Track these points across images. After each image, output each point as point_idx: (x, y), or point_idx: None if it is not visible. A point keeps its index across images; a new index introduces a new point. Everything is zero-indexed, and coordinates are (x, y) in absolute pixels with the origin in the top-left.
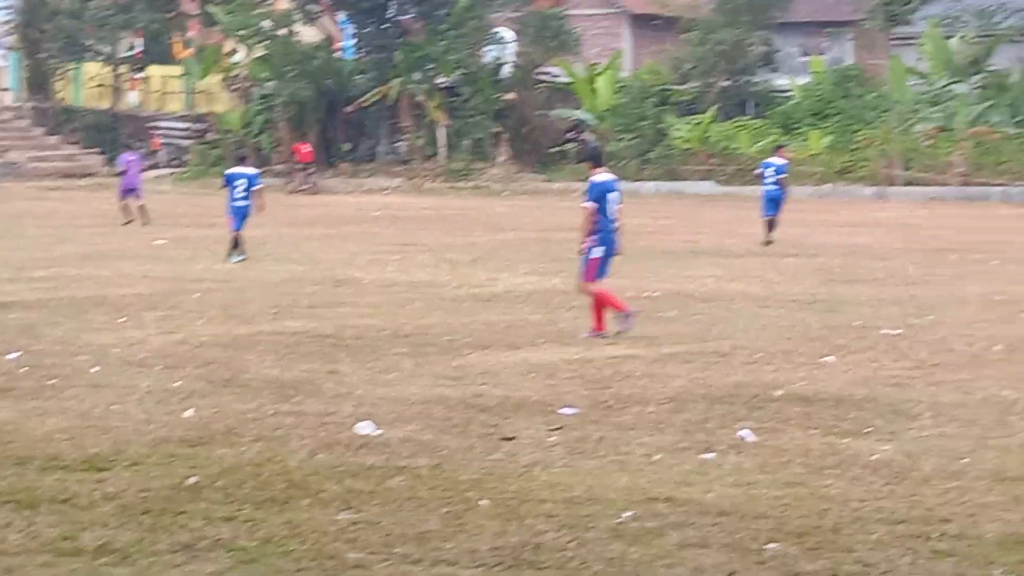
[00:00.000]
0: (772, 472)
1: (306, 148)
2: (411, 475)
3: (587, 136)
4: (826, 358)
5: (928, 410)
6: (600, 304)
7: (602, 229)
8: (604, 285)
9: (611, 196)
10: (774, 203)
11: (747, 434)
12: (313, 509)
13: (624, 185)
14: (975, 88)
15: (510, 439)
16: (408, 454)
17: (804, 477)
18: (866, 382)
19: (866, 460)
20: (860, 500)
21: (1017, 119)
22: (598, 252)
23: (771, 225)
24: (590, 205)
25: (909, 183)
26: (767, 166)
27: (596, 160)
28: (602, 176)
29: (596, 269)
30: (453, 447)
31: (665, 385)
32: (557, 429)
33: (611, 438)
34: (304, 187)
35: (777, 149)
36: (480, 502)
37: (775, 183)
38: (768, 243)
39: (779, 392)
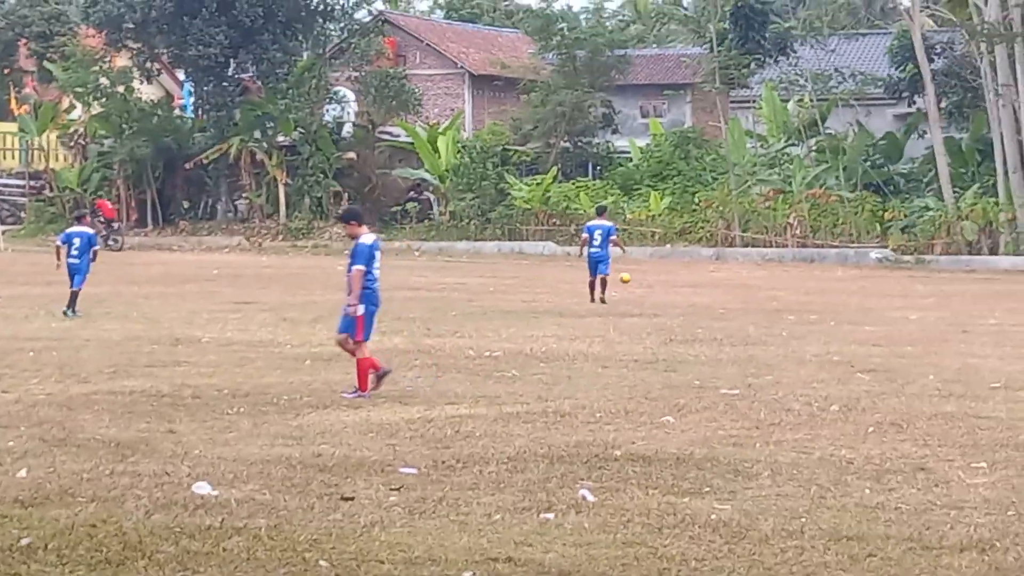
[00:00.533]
0: (612, 532)
1: (109, 205)
2: (249, 536)
3: (428, 195)
4: (666, 418)
5: (766, 469)
6: (363, 367)
7: (367, 287)
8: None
9: (376, 255)
10: (603, 264)
11: (587, 494)
12: (149, 571)
13: (465, 245)
14: (811, 151)
15: (350, 499)
16: (246, 514)
17: (644, 536)
18: (705, 442)
19: (705, 519)
20: (699, 559)
21: (852, 182)
22: (361, 310)
23: (604, 284)
24: (360, 268)
25: (747, 244)
26: (591, 229)
27: (359, 220)
28: (368, 237)
29: (365, 326)
30: (292, 507)
31: (506, 444)
32: (397, 489)
33: (451, 498)
34: (109, 244)
35: (600, 212)
36: (319, 563)
37: (600, 247)
38: (603, 301)
39: (619, 452)
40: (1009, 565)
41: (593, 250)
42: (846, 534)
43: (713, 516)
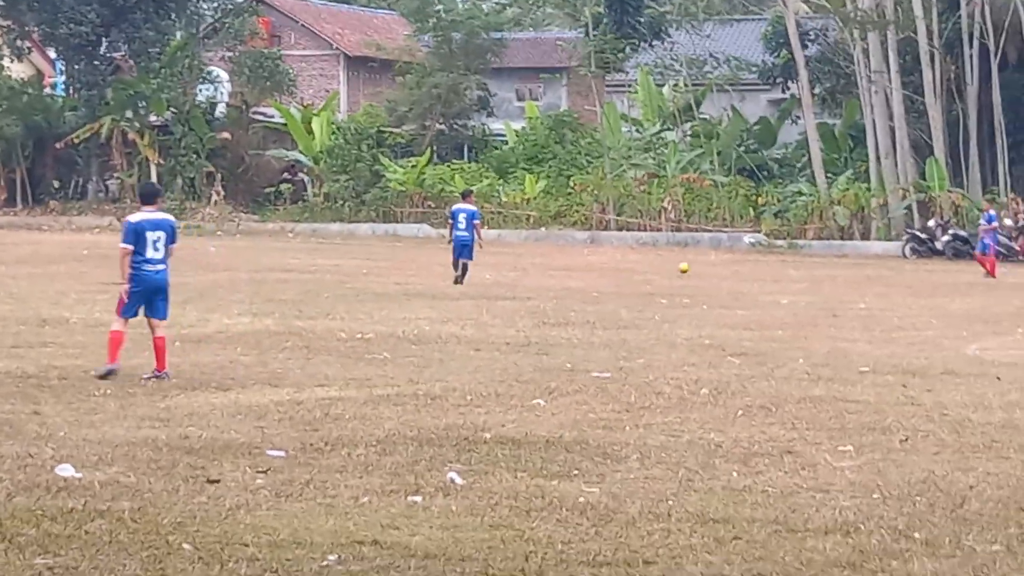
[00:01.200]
0: (479, 515)
1: None
2: (112, 518)
3: (302, 176)
4: (537, 400)
5: (635, 452)
6: (114, 342)
7: (135, 268)
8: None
9: (149, 235)
10: (467, 249)
11: (455, 476)
12: (9, 554)
13: (339, 227)
14: (686, 135)
15: (215, 481)
16: (110, 497)
17: (511, 519)
18: (575, 425)
19: (573, 502)
20: (566, 542)
21: (726, 166)
22: (126, 289)
23: (464, 269)
24: (123, 247)
25: (622, 228)
26: (456, 213)
27: (145, 199)
28: (138, 216)
29: (123, 306)
30: (157, 490)
31: (375, 427)
32: (264, 472)
33: (319, 480)
34: None
35: (465, 196)
36: (182, 546)
37: (466, 230)
38: (457, 283)
39: (489, 434)
40: (872, 547)
41: (459, 233)
42: (712, 517)
43: (581, 499)
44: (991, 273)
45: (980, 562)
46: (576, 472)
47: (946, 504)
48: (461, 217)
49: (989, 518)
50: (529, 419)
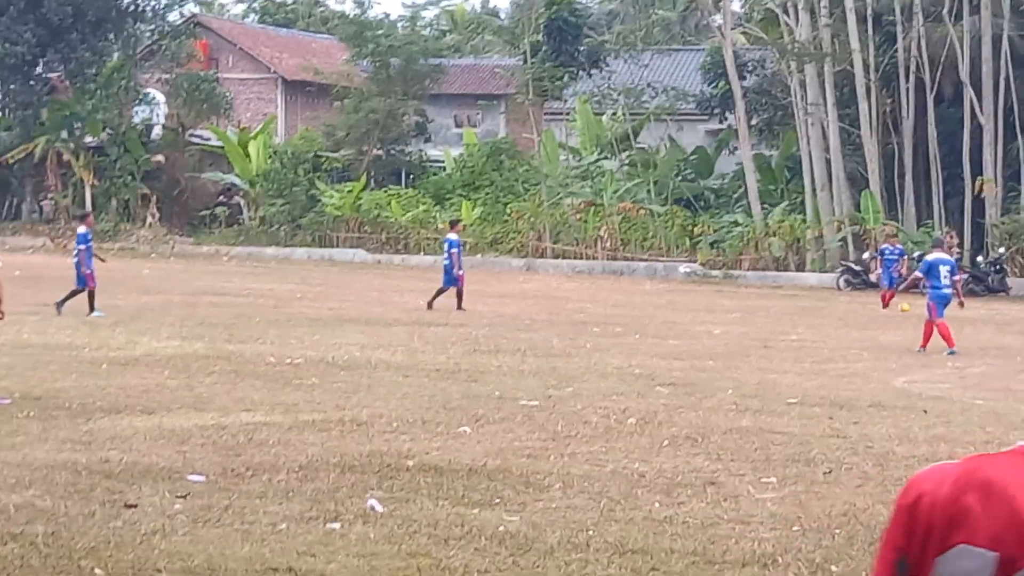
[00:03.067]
0: (397, 542)
1: None
2: (25, 543)
3: (238, 200)
4: (463, 428)
5: (558, 481)
6: None
7: None
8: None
9: None
10: (446, 276)
11: (376, 504)
12: None
13: (275, 251)
14: (623, 165)
15: (133, 506)
16: (24, 520)
17: (429, 547)
18: (500, 453)
19: (493, 531)
20: (482, 571)
21: (663, 196)
22: None
23: (438, 294)
24: None
25: (558, 256)
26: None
27: None
28: None
29: None
30: (73, 514)
31: (299, 453)
32: (183, 496)
33: (238, 506)
34: None
35: (453, 225)
36: (95, 571)
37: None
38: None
39: (412, 461)
40: None
41: (446, 262)
42: (631, 548)
43: (501, 528)
44: (885, 304)
45: None
46: (498, 501)
47: (865, 537)
48: (445, 246)
49: None
50: (454, 446)
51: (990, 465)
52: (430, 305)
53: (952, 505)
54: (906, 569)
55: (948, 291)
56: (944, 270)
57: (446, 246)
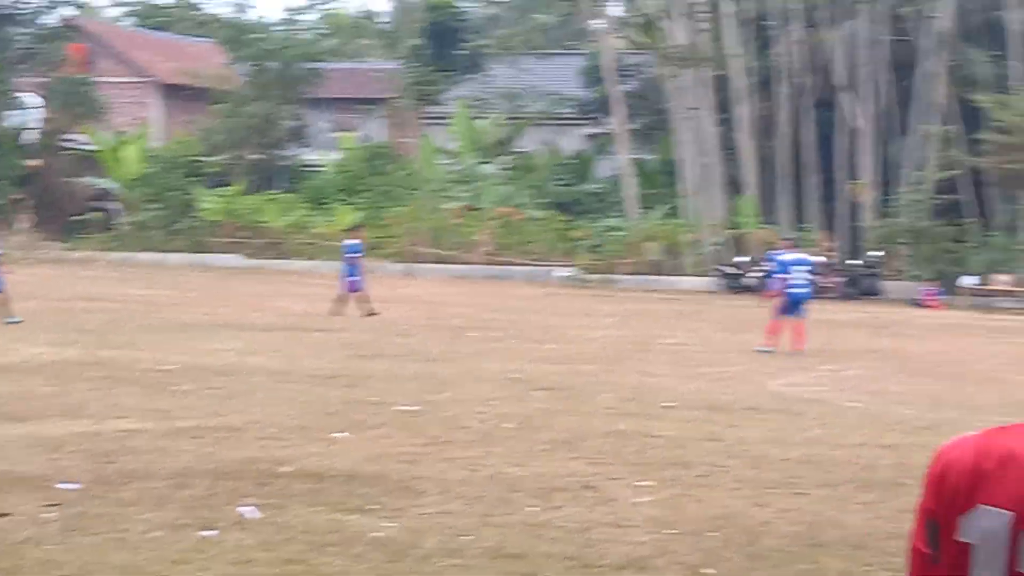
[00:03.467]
0: (273, 550)
1: None
2: None
3: (113, 205)
4: (341, 434)
5: (435, 487)
6: None
7: None
8: None
9: None
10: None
11: (251, 511)
12: None
13: (150, 256)
14: (502, 169)
15: (4, 515)
16: None
17: (305, 554)
18: (377, 458)
19: (369, 537)
20: None
21: (541, 200)
22: None
23: (347, 299)
24: None
25: (437, 260)
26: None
27: None
28: None
29: None
30: None
31: (172, 460)
32: (56, 505)
33: (111, 514)
34: None
35: (353, 231)
36: None
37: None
38: (372, 314)
39: (289, 468)
40: None
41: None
42: (508, 552)
43: (377, 534)
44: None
45: None
46: (375, 506)
47: (740, 540)
48: (345, 251)
49: (781, 554)
50: (331, 452)
51: (1009, 436)
52: (336, 313)
53: (974, 471)
54: (937, 529)
55: (803, 291)
56: (800, 270)
57: (346, 251)
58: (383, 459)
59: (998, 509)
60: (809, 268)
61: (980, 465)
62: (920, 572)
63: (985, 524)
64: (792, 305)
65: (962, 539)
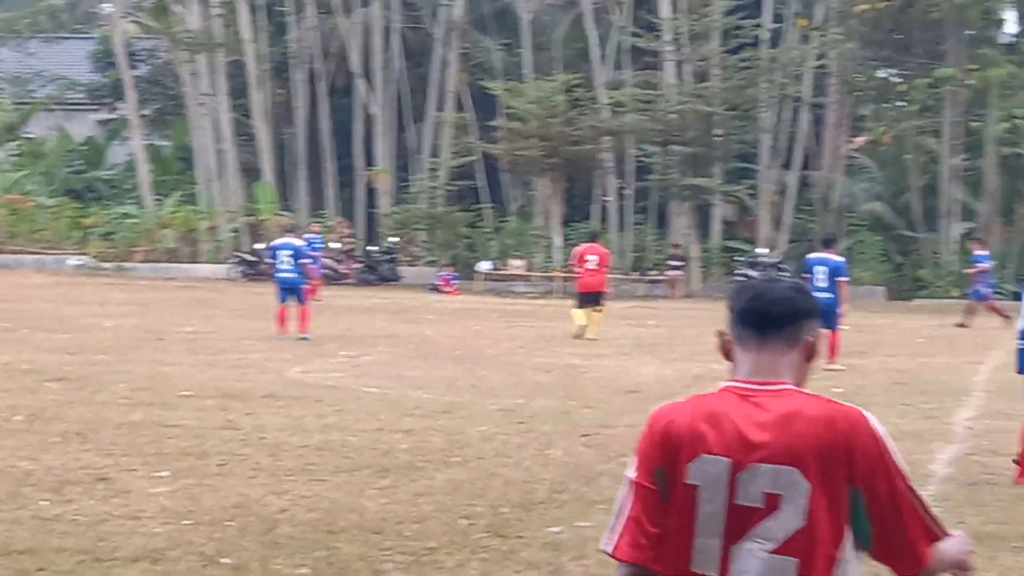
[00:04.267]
0: None
1: None
2: None
3: None
4: None
5: None
6: None
7: None
8: None
9: None
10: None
11: None
12: None
13: None
14: (11, 155)
15: None
16: None
17: None
18: None
19: None
20: None
21: (52, 187)
22: None
23: None
24: None
25: None
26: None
27: None
28: None
29: None
30: None
31: None
32: None
33: None
34: None
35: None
36: None
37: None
38: None
39: None
40: (180, 574)
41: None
42: (17, 548)
43: None
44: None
45: None
46: None
47: (258, 528)
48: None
49: (299, 542)
50: None
51: (710, 400)
52: None
53: (693, 428)
54: (665, 475)
55: (289, 275)
56: (285, 254)
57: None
58: None
59: (717, 456)
60: (293, 253)
61: (696, 423)
62: (643, 503)
63: (708, 469)
64: (284, 291)
65: (690, 482)
